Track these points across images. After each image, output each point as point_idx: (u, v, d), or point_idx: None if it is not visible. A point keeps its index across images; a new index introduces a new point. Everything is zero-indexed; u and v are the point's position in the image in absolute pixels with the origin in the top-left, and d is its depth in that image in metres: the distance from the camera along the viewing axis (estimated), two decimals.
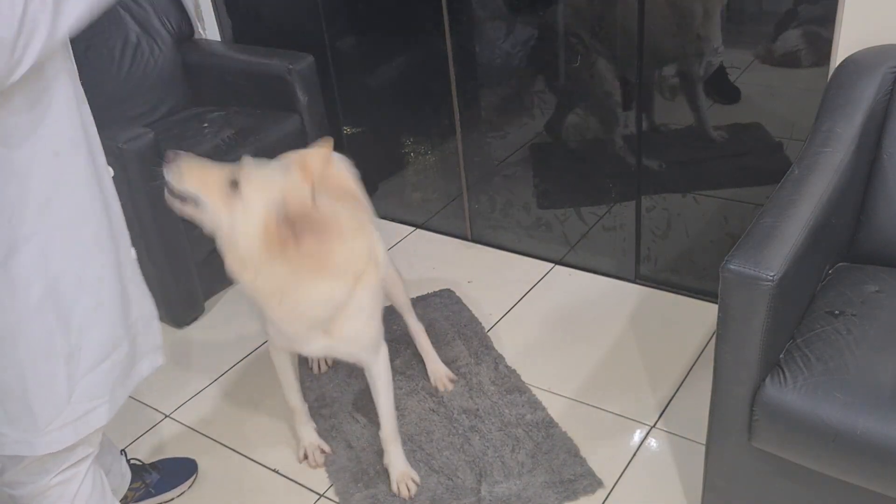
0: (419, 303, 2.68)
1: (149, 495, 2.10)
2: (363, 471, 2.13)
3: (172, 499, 2.14)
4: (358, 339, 1.88)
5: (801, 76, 2.35)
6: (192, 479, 2.18)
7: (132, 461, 2.11)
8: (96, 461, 1.63)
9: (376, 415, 2.29)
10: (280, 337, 1.91)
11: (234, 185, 1.56)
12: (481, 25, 2.88)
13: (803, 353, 1.59)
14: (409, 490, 2.06)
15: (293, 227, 1.52)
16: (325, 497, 2.09)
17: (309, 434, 2.21)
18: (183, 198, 1.61)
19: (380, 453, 2.16)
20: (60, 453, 1.52)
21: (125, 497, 2.05)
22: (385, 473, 2.10)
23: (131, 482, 2.06)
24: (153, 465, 2.15)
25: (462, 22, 2.82)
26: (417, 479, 2.09)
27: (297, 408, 2.18)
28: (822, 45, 2.18)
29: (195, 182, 1.59)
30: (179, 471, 2.18)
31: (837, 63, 1.98)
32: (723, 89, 2.49)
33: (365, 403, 2.34)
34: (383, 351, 1.98)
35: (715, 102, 2.52)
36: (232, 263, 1.61)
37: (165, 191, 1.63)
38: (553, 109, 2.84)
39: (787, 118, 2.40)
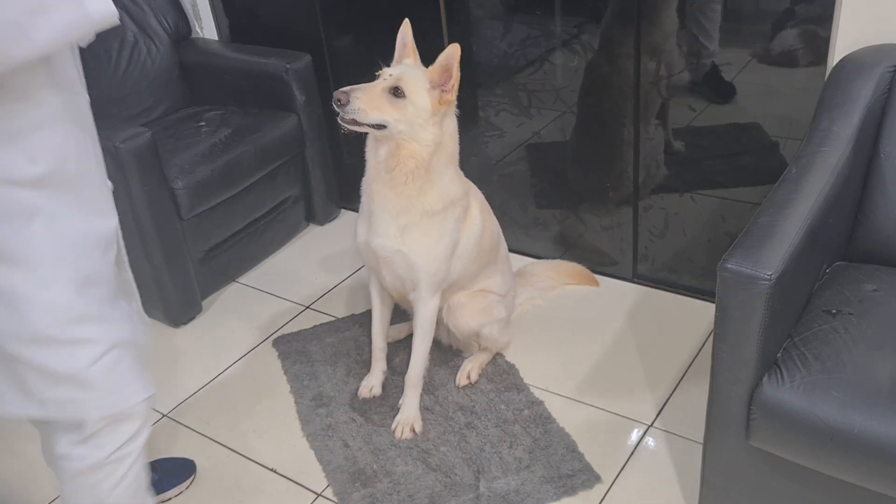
0: None
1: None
2: (360, 470, 2.13)
3: (170, 498, 2.14)
4: (421, 255, 2.06)
5: (798, 75, 2.35)
6: (190, 479, 2.18)
7: None
8: (145, 448, 1.66)
9: (373, 414, 2.30)
10: (363, 227, 2.13)
11: (395, 91, 1.89)
12: (479, 25, 2.89)
13: (801, 352, 1.60)
14: (401, 433, 2.21)
15: (443, 72, 1.93)
16: (323, 496, 2.09)
17: (376, 375, 2.38)
18: (369, 126, 1.91)
19: (376, 452, 2.17)
20: (111, 429, 1.56)
21: None
22: (382, 472, 2.11)
23: None
24: (152, 465, 2.15)
25: (459, 21, 2.82)
26: (419, 429, 2.22)
27: (376, 344, 2.37)
28: (819, 45, 2.19)
29: (373, 111, 1.88)
30: (178, 471, 2.18)
31: (835, 62, 1.98)
32: (719, 88, 2.49)
33: (361, 403, 2.34)
34: (435, 300, 2.17)
35: (711, 103, 2.53)
36: (412, 138, 1.93)
37: (343, 124, 1.92)
38: (551, 109, 2.84)
39: (785, 117, 2.40)
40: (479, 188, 2.30)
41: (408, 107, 1.90)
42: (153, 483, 2.04)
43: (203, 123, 2.95)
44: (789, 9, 2.31)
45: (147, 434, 1.64)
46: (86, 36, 1.29)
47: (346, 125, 1.93)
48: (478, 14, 2.87)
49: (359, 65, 3.18)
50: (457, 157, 2.08)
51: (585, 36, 2.63)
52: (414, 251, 2.06)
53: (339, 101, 1.87)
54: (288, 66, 2.98)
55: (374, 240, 2.09)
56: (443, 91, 1.94)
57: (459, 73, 1.93)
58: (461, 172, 2.14)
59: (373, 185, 2.04)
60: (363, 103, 1.87)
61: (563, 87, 2.76)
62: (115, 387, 1.54)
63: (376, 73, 1.96)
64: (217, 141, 2.82)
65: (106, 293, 1.51)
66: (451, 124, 2.02)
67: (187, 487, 2.16)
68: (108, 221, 1.52)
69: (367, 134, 2.00)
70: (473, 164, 3.01)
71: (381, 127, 1.92)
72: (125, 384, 1.55)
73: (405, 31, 2.01)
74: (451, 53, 1.91)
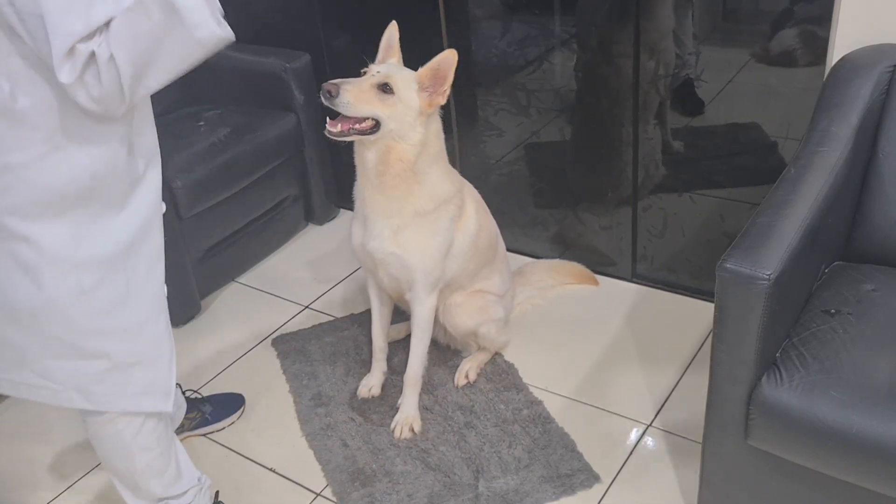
0: None
1: (206, 423, 2.31)
2: (359, 470, 2.13)
3: (223, 428, 2.32)
4: (415, 256, 2.06)
5: (797, 75, 2.35)
6: (240, 410, 2.36)
7: (188, 392, 2.32)
8: None
9: (372, 413, 2.30)
10: (358, 230, 2.12)
11: (384, 87, 1.89)
12: (478, 24, 2.88)
13: (799, 352, 1.60)
14: (401, 433, 2.21)
15: (435, 75, 1.92)
16: (322, 496, 2.09)
17: (376, 376, 2.38)
18: (354, 123, 1.89)
19: (375, 452, 2.17)
20: None
21: (182, 425, 2.23)
22: (381, 472, 2.11)
23: (188, 412, 2.25)
24: (207, 399, 2.36)
25: (458, 21, 2.82)
26: (418, 428, 2.22)
27: (376, 345, 2.37)
28: (818, 45, 2.19)
29: (362, 105, 1.87)
30: (229, 403, 2.37)
31: (833, 62, 1.98)
32: (689, 101, 2.51)
33: (360, 403, 2.35)
34: (432, 299, 2.18)
35: (680, 116, 2.55)
36: (401, 138, 1.93)
37: (331, 137, 1.91)
38: (549, 108, 2.84)
39: (784, 117, 2.40)
40: (478, 188, 2.30)
41: (397, 104, 1.90)
42: (207, 416, 2.29)
43: (202, 123, 2.95)
44: (788, 9, 2.31)
45: None
46: (200, 60, 1.40)
47: (333, 137, 1.91)
48: (477, 14, 2.87)
49: (358, 64, 3.17)
50: (443, 155, 2.07)
51: (584, 35, 2.63)
52: (408, 252, 2.06)
53: (328, 92, 1.84)
54: (287, 65, 2.97)
55: (369, 242, 2.09)
56: (433, 94, 1.93)
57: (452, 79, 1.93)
58: (453, 170, 2.14)
59: (364, 190, 2.04)
60: (352, 96, 1.85)
61: (561, 86, 2.76)
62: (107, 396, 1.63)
63: (362, 71, 1.95)
64: (216, 140, 2.82)
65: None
66: (436, 124, 2.01)
67: (238, 418, 2.35)
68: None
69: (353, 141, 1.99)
70: (473, 163, 3.01)
71: (371, 131, 1.91)
72: (91, 391, 1.62)
73: (392, 32, 2.02)
74: (449, 59, 1.90)
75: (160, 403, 1.68)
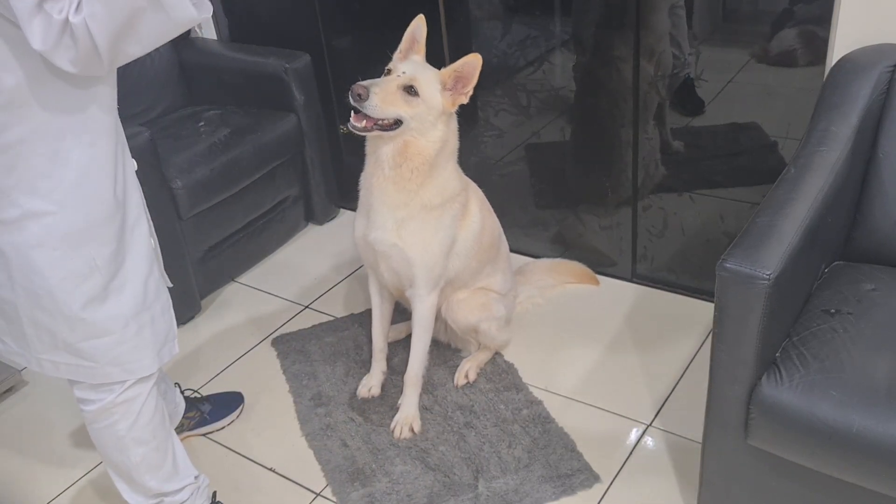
0: None
1: (205, 422, 2.31)
2: (359, 470, 2.13)
3: (222, 427, 2.33)
4: (417, 250, 2.07)
5: (797, 75, 2.35)
6: (239, 409, 2.37)
7: (187, 391, 2.32)
8: (157, 386, 1.78)
9: (372, 413, 2.30)
10: (361, 222, 2.13)
11: (408, 89, 1.91)
12: (478, 25, 2.89)
13: (799, 352, 1.60)
14: (400, 432, 2.21)
15: (458, 77, 1.96)
16: (322, 496, 2.09)
17: (376, 375, 2.38)
18: (378, 120, 1.92)
19: (375, 452, 2.17)
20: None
21: (181, 425, 2.23)
22: (381, 472, 2.11)
23: (187, 411, 2.25)
24: (203, 399, 2.35)
25: (458, 21, 2.82)
26: (418, 428, 2.22)
27: (376, 345, 2.37)
28: (818, 45, 2.19)
29: (388, 107, 1.90)
30: (228, 402, 2.37)
31: (833, 62, 1.98)
32: (689, 101, 2.51)
33: (360, 403, 2.35)
34: (433, 297, 2.18)
35: (681, 115, 2.55)
36: (421, 134, 1.96)
37: (356, 132, 1.94)
38: (550, 109, 2.84)
39: (784, 117, 2.40)
40: (479, 188, 2.31)
41: (421, 105, 1.93)
42: (206, 415, 2.29)
43: (202, 123, 2.95)
44: (788, 9, 2.31)
45: (156, 374, 1.75)
46: (172, 36, 1.40)
47: (357, 132, 1.94)
48: (477, 14, 2.87)
49: (358, 64, 3.18)
50: (456, 153, 2.09)
51: (584, 36, 2.63)
52: (409, 245, 2.07)
53: (358, 95, 1.87)
54: (287, 65, 2.98)
55: (371, 233, 2.09)
56: (455, 94, 1.97)
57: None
58: (460, 169, 2.15)
59: (373, 179, 2.05)
60: (380, 99, 1.89)
61: (562, 87, 2.76)
62: (113, 361, 1.65)
63: (387, 68, 1.97)
64: (216, 141, 2.82)
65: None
66: (454, 122, 2.04)
67: (237, 417, 2.35)
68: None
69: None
70: (473, 163, 3.01)
71: (392, 127, 1.93)
72: (125, 360, 1.65)
73: (420, 27, 2.03)
74: (473, 63, 1.93)
75: (174, 348, 1.75)
